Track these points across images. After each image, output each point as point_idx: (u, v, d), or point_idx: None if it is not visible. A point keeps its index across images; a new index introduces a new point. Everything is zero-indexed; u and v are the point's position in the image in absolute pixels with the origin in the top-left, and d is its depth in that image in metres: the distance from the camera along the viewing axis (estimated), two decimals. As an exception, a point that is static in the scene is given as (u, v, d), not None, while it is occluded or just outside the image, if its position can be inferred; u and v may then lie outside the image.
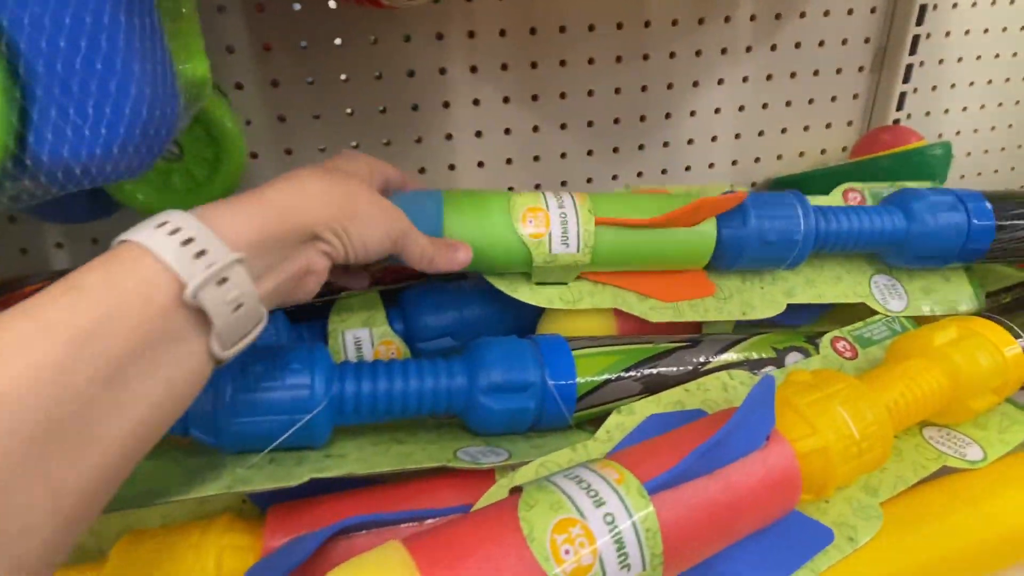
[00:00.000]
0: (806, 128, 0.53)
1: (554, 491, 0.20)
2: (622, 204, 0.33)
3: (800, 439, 0.24)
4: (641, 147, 0.49)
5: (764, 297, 0.36)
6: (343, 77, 0.41)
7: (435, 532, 0.19)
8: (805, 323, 0.41)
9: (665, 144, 0.49)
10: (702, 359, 0.32)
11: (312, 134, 0.42)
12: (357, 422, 0.28)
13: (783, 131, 0.52)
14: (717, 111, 0.50)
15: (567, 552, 0.18)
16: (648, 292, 0.34)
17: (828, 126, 0.53)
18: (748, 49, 0.48)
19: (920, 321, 0.38)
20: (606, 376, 0.29)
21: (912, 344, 0.31)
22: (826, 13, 0.49)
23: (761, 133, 0.52)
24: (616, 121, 0.47)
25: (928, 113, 0.56)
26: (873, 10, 0.50)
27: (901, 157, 0.45)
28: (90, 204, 0.33)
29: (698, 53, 0.47)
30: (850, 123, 0.54)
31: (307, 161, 0.42)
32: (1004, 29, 0.55)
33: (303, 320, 0.36)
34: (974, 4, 0.52)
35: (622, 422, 0.28)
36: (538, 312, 0.37)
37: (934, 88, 0.55)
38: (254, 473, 0.24)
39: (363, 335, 0.34)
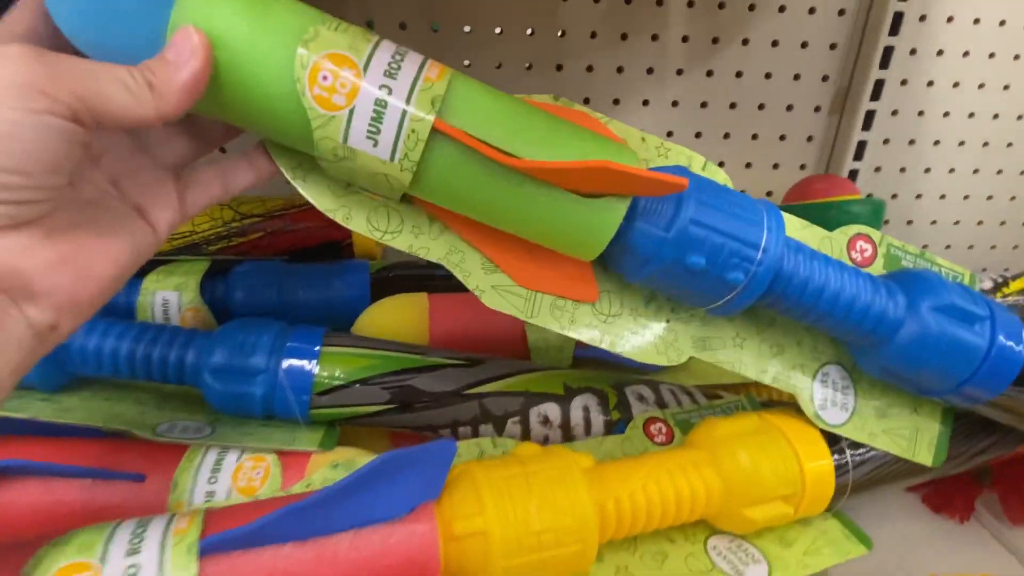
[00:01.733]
0: (748, 165, 0.49)
1: (105, 529, 0.19)
2: (499, 114, 0.21)
3: (460, 518, 0.21)
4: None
5: (664, 336, 0.25)
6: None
7: None
8: (654, 370, 0.38)
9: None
10: (468, 381, 0.30)
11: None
12: (91, 374, 0.29)
13: (720, 164, 0.49)
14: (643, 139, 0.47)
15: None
16: (499, 261, 0.23)
17: (775, 166, 0.49)
18: (679, 72, 0.45)
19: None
20: (350, 377, 0.29)
21: (702, 432, 0.27)
22: (774, 43, 0.45)
23: (693, 164, 0.49)
24: (525, 130, 0.46)
25: (903, 169, 0.51)
26: (833, 46, 0.46)
27: (815, 209, 0.41)
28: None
29: (619, 70, 0.45)
30: (803, 166, 0.50)
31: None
32: (1007, 87, 0.48)
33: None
34: (965, 54, 0.47)
35: (331, 477, 0.24)
36: (367, 302, 0.37)
37: (912, 142, 0.50)
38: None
39: (172, 298, 0.35)
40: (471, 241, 0.24)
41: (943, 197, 0.52)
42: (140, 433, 0.26)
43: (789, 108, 0.47)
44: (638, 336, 0.25)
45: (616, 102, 0.46)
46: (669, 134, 0.47)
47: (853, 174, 0.49)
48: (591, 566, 0.23)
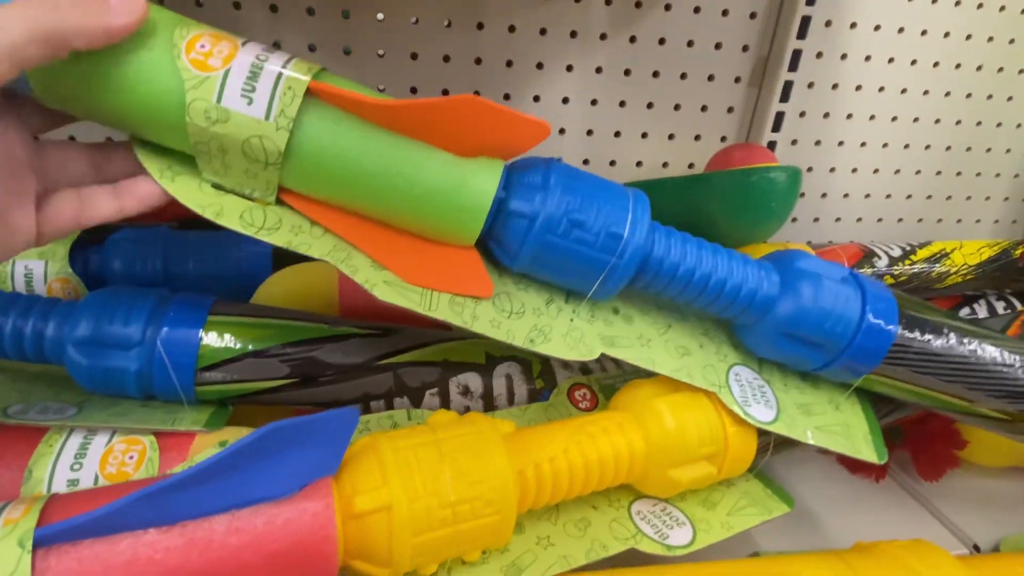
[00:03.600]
0: (671, 136, 0.49)
1: None
2: (366, 91, 0.22)
3: (361, 493, 0.19)
4: (474, 127, 0.46)
5: (570, 332, 0.25)
6: None
7: None
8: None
9: (503, 128, 0.46)
10: (380, 351, 0.28)
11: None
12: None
13: (643, 135, 0.49)
14: (565, 100, 0.46)
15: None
16: (385, 259, 0.23)
17: (697, 138, 0.50)
18: (603, 36, 0.45)
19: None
20: (243, 349, 0.26)
21: (626, 394, 0.26)
22: (696, 10, 0.45)
23: (617, 134, 0.48)
24: (445, 92, 0.44)
25: (818, 142, 0.52)
26: (753, 15, 0.46)
27: (735, 176, 0.41)
28: None
29: (543, 31, 0.43)
30: (724, 138, 0.50)
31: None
32: (914, 62, 0.51)
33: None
34: (877, 27, 0.49)
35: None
36: (266, 274, 0.34)
37: (826, 115, 0.51)
38: None
39: (36, 267, 0.31)
40: (353, 241, 0.23)
41: (854, 171, 0.54)
42: (-10, 418, 0.22)
43: (710, 78, 0.48)
44: (545, 334, 0.25)
45: (539, 66, 0.44)
46: (594, 102, 0.46)
47: (771, 146, 0.50)
48: (510, 537, 0.21)
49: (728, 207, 0.41)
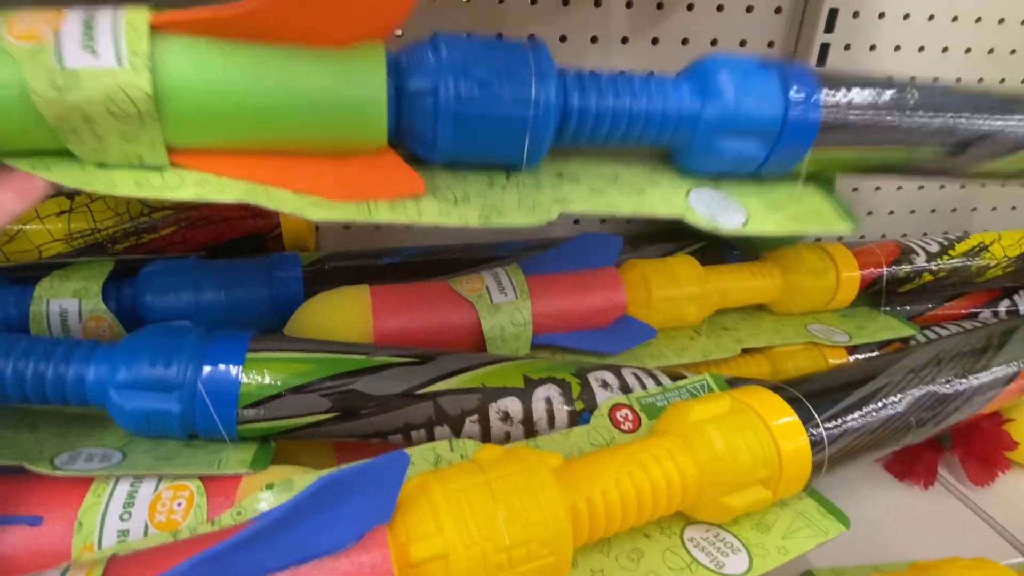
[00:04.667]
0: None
1: None
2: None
3: (417, 541, 0.19)
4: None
5: (522, 202, 0.24)
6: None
7: None
8: (613, 352, 0.36)
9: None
10: (419, 380, 0.28)
11: None
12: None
13: (668, 137, 0.48)
14: (587, 106, 0.45)
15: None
16: (304, 187, 0.21)
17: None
18: (624, 40, 0.44)
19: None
20: (283, 385, 0.26)
21: (672, 417, 0.26)
22: (719, 8, 0.44)
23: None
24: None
25: (847, 136, 0.51)
26: (778, 10, 0.45)
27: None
28: None
29: (563, 39, 0.43)
30: (750, 137, 0.49)
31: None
32: (945, 49, 0.49)
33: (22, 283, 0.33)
34: (906, 16, 0.47)
35: (266, 500, 0.22)
36: (298, 300, 0.34)
37: (855, 108, 0.50)
38: None
39: (70, 306, 0.31)
40: (267, 182, 0.21)
41: (885, 163, 0.53)
42: (35, 467, 0.22)
43: (736, 76, 0.46)
44: (499, 209, 0.24)
45: (560, 73, 0.44)
46: (617, 106, 0.46)
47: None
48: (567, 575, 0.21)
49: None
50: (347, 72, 0.20)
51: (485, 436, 0.28)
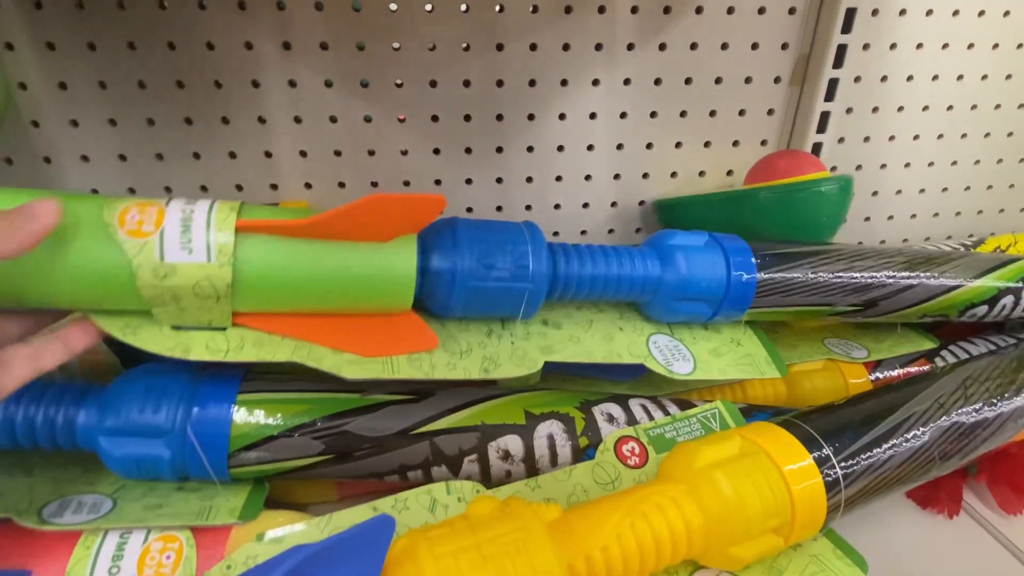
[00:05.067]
0: (707, 144, 0.47)
1: None
2: (284, 212, 0.25)
3: None
4: (500, 150, 0.44)
5: (515, 353, 0.29)
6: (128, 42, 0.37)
7: None
8: (628, 378, 0.35)
9: (529, 149, 0.44)
10: (415, 419, 0.27)
11: (98, 104, 0.39)
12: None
13: (677, 145, 0.46)
14: (593, 116, 0.44)
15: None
16: (342, 344, 0.26)
17: (735, 143, 0.47)
18: (630, 47, 0.42)
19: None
20: (274, 427, 0.25)
21: (679, 460, 0.24)
22: (730, 10, 0.42)
23: (650, 146, 0.46)
24: (467, 118, 0.42)
25: (867, 139, 0.49)
26: (792, 11, 0.43)
27: (781, 191, 0.39)
28: None
29: (566, 47, 0.41)
30: (764, 142, 0.47)
31: (94, 134, 0.39)
32: (971, 46, 0.47)
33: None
34: (929, 12, 0.45)
35: (256, 554, 0.22)
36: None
37: (875, 110, 0.48)
38: None
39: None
40: (310, 339, 0.25)
41: (907, 165, 0.51)
42: (22, 521, 0.22)
43: (748, 80, 0.45)
44: (495, 361, 0.28)
45: (564, 83, 0.42)
46: (623, 115, 0.44)
47: (816, 147, 0.47)
48: None
49: (774, 223, 0.38)
50: (387, 259, 0.25)
51: (485, 475, 0.27)
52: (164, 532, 0.22)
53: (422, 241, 0.27)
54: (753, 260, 0.32)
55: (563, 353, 0.29)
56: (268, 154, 0.42)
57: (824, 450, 0.24)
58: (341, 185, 0.43)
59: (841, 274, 0.34)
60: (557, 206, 0.46)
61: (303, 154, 0.42)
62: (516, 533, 0.19)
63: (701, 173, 0.48)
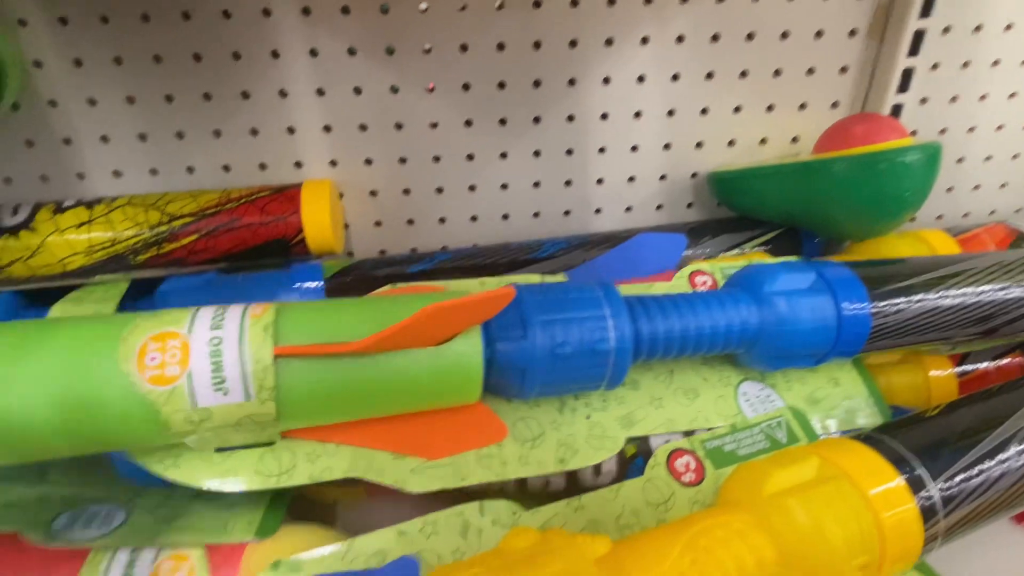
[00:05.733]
0: (769, 108, 0.42)
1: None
2: (323, 317, 0.22)
3: None
4: (537, 120, 0.40)
5: (592, 432, 0.25)
6: (142, 13, 0.35)
7: None
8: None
9: (570, 118, 0.41)
10: (446, 424, 0.25)
11: (114, 81, 0.37)
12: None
13: (736, 110, 0.42)
14: (641, 79, 0.40)
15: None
16: (403, 448, 0.23)
17: (802, 106, 0.42)
18: (675, 78, 0.38)
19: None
20: (295, 434, 0.23)
21: (743, 483, 0.21)
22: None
23: (705, 111, 0.42)
24: (501, 86, 0.39)
25: (955, 99, 0.43)
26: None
27: (859, 162, 0.34)
28: None
29: (611, 2, 0.37)
30: (835, 104, 0.43)
31: (112, 112, 0.38)
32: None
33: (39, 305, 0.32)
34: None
35: None
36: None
37: (966, 64, 0.42)
38: None
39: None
40: (368, 445, 0.23)
41: (1000, 128, 0.45)
42: (31, 538, 0.21)
43: (818, 35, 0.40)
44: (571, 447, 0.25)
45: (609, 42, 0.38)
46: (675, 77, 0.40)
47: (896, 109, 0.42)
48: None
49: (851, 198, 0.34)
50: (450, 362, 0.22)
51: (521, 486, 0.25)
52: (176, 550, 0.21)
53: (486, 328, 0.24)
54: (866, 304, 0.27)
55: (645, 424, 0.26)
56: (291, 130, 0.39)
57: (917, 471, 0.21)
58: (368, 162, 0.41)
59: (963, 301, 0.29)
60: (600, 180, 0.43)
61: (327, 129, 0.40)
62: (560, 572, 0.17)
63: (762, 141, 0.43)
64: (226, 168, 0.40)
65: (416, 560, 0.16)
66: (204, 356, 0.19)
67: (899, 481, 0.21)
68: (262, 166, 0.40)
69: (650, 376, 0.28)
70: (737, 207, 0.42)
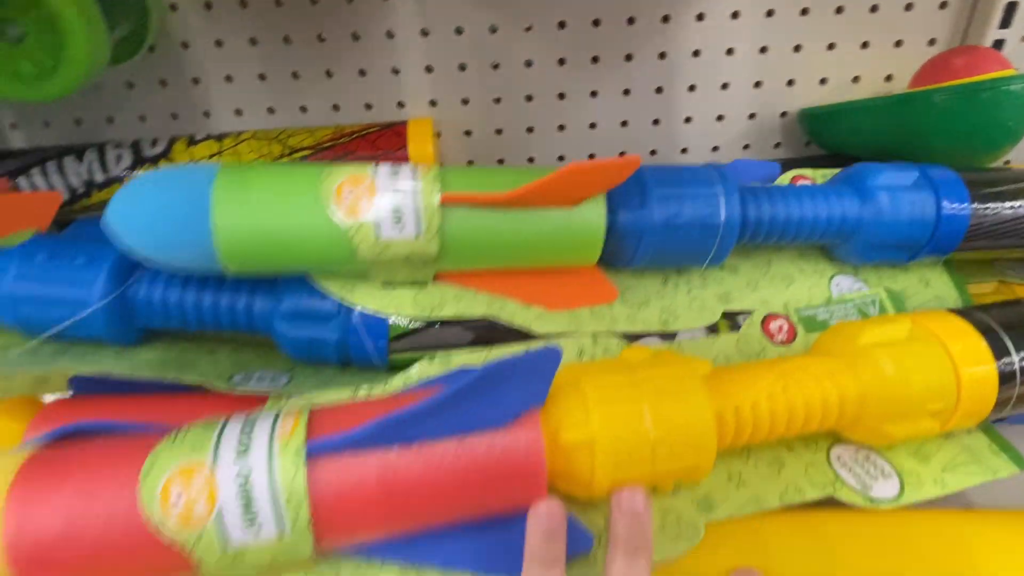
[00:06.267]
0: (864, 45, 0.43)
1: (212, 430, 0.19)
2: (480, 178, 0.27)
3: (566, 428, 0.21)
4: (629, 57, 0.43)
5: (692, 303, 0.29)
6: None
7: (69, 449, 0.19)
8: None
9: (661, 55, 0.43)
10: (560, 313, 0.28)
11: (239, 23, 0.41)
12: (160, 326, 0.28)
13: (829, 47, 0.43)
14: (735, 15, 0.41)
15: (178, 497, 0.17)
16: (531, 298, 0.28)
17: (898, 43, 0.43)
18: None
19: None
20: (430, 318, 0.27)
21: (838, 337, 0.25)
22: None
23: (798, 48, 0.43)
24: (596, 23, 0.41)
25: (1063, 32, 0.43)
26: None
27: (962, 92, 0.35)
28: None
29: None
30: (932, 41, 0.43)
31: (236, 54, 0.42)
32: None
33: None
34: None
35: (427, 371, 0.26)
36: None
37: (1077, -4, 0.42)
38: (26, 357, 0.26)
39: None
40: (502, 293, 0.28)
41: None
42: (216, 385, 0.25)
43: (919, -33, 0.40)
44: (673, 313, 0.28)
45: (704, -21, 0.40)
46: (769, 13, 0.41)
47: (997, 45, 0.42)
48: (706, 477, 0.21)
49: (952, 130, 0.35)
50: (578, 224, 0.27)
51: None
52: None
53: (609, 197, 0.27)
54: (966, 204, 0.29)
55: (740, 302, 0.29)
56: (395, 70, 0.43)
57: (1003, 339, 0.23)
58: (464, 102, 0.44)
59: None
60: (688, 119, 0.45)
61: (429, 69, 0.43)
62: (671, 376, 0.21)
63: (855, 79, 0.44)
64: (335, 107, 0.44)
65: (559, 349, 0.20)
66: (388, 201, 0.24)
67: (982, 344, 0.23)
68: (368, 106, 0.44)
69: (749, 264, 0.31)
70: (829, 144, 0.43)
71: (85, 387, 0.30)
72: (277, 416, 0.20)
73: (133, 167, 0.39)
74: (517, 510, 0.20)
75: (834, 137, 0.43)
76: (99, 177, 0.39)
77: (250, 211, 0.24)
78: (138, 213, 0.23)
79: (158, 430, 0.24)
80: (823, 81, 0.44)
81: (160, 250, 0.24)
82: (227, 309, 0.27)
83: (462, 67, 0.43)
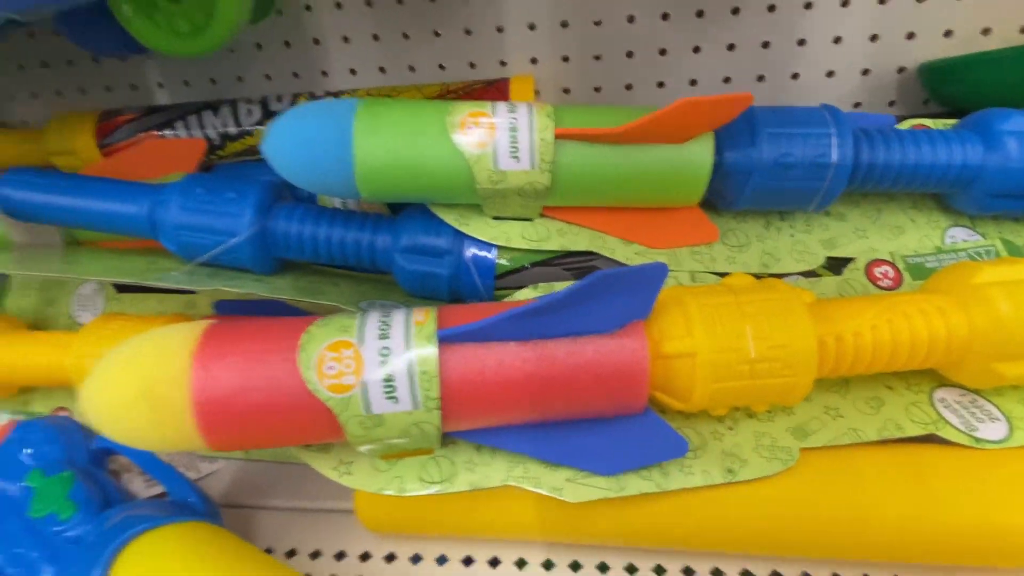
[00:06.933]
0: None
1: (355, 317, 0.23)
2: (592, 115, 0.28)
3: (669, 339, 0.23)
4: (735, 11, 0.43)
5: (794, 247, 0.30)
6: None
7: (239, 323, 0.23)
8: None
9: (770, 8, 0.43)
10: (658, 259, 0.30)
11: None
12: (294, 257, 0.32)
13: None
14: (850, -36, 0.41)
15: (330, 368, 0.21)
16: (631, 236, 0.30)
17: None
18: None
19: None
20: (535, 256, 0.30)
21: (951, 276, 0.25)
22: None
23: (920, -2, 0.41)
24: (699, -22, 0.42)
25: None
26: None
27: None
28: (115, 38, 0.39)
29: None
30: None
31: (354, 14, 0.46)
32: None
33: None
34: None
35: (530, 295, 0.28)
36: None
37: None
38: (185, 277, 0.30)
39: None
40: (604, 230, 0.30)
41: None
42: (347, 307, 0.29)
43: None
44: (775, 256, 0.29)
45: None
46: (890, -39, 0.40)
47: None
48: (801, 399, 0.23)
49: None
50: (685, 161, 0.28)
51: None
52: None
53: (717, 136, 0.28)
54: None
55: (846, 248, 0.30)
56: (499, 29, 0.45)
57: None
58: (564, 59, 0.46)
59: None
60: (795, 75, 0.45)
61: (531, 27, 0.45)
62: (774, 299, 0.23)
63: (985, 31, 0.42)
64: (441, 67, 0.47)
65: (666, 265, 0.22)
66: (505, 131, 0.27)
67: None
68: (472, 65, 0.47)
69: (857, 212, 0.31)
70: (952, 102, 0.42)
71: (228, 310, 0.35)
72: (410, 309, 0.24)
73: (261, 121, 0.44)
74: (617, 413, 0.22)
75: (958, 94, 0.41)
76: (232, 130, 0.44)
77: (384, 140, 0.27)
78: (289, 142, 0.27)
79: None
80: (948, 33, 0.42)
81: (307, 174, 0.27)
82: (352, 244, 0.31)
83: (564, 24, 0.45)
